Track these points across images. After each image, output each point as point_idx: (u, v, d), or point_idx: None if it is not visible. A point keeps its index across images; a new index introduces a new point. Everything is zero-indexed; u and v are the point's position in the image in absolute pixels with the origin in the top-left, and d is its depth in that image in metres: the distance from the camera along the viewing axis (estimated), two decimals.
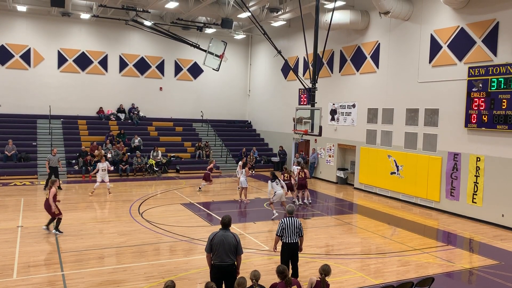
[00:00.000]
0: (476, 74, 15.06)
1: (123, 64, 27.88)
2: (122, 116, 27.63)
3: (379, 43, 19.65)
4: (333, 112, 22.56)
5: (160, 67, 28.94)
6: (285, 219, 8.48)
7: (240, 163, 19.59)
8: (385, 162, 19.03)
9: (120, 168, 22.92)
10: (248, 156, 25.16)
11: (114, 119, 27.26)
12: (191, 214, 15.02)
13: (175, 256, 10.68)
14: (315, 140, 23.57)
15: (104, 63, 27.39)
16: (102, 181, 17.91)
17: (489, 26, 14.83)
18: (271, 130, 28.81)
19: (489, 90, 14.61)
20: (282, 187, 14.60)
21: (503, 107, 14.14)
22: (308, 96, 18.00)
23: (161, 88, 28.96)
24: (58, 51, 26.23)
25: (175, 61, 29.30)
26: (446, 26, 16.44)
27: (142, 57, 28.34)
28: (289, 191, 16.29)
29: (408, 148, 18.05)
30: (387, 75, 19.22)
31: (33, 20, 25.54)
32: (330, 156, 23.02)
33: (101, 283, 8.69)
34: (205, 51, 22.67)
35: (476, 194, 15.23)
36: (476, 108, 15.01)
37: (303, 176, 16.97)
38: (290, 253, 8.44)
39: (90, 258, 10.26)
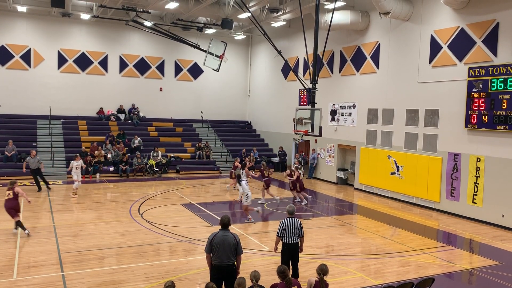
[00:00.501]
0: (476, 74, 15.06)
1: (123, 65, 27.88)
2: (122, 116, 27.63)
3: (379, 44, 19.65)
4: (333, 112, 22.56)
5: (160, 68, 28.94)
6: (285, 219, 8.48)
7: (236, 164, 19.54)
8: (385, 162, 19.03)
9: (120, 169, 22.92)
10: (248, 157, 25.14)
11: (114, 119, 27.27)
12: (191, 214, 15.02)
13: (175, 257, 10.68)
14: (315, 140, 23.57)
15: (104, 63, 27.39)
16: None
17: (489, 27, 14.83)
18: (271, 130, 28.81)
19: (489, 91, 14.61)
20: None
21: (503, 107, 14.13)
22: (308, 96, 18.01)
23: (161, 89, 28.97)
24: (58, 52, 26.24)
25: (175, 61, 29.31)
26: (446, 27, 16.44)
27: (142, 58, 28.35)
28: (294, 190, 17.52)
29: (408, 148, 18.05)
30: (387, 75, 19.22)
31: (33, 21, 25.55)
32: (330, 157, 23.02)
33: (101, 283, 8.69)
34: (205, 51, 22.69)
35: (476, 195, 15.23)
36: (476, 108, 15.01)
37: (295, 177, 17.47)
38: (290, 253, 8.44)
39: (90, 258, 10.25)
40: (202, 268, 9.41)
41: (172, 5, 21.78)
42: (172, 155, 25.44)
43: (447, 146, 16.36)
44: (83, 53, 26.80)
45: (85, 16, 24.93)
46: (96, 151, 23.15)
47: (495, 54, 14.68)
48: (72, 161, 17.92)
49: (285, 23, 24.86)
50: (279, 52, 18.79)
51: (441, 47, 16.61)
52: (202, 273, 9.21)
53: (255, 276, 6.38)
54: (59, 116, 25.96)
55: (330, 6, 18.71)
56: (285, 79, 26.96)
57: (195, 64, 29.37)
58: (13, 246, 10.95)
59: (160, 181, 22.23)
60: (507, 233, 13.85)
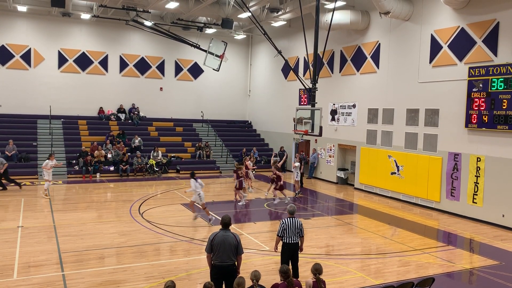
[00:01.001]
0: (476, 74, 15.05)
1: (123, 64, 27.88)
2: (122, 116, 27.64)
3: (380, 43, 19.65)
4: (334, 112, 22.56)
5: (161, 67, 28.94)
6: (286, 219, 8.47)
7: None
8: (386, 162, 19.03)
9: (121, 169, 22.93)
10: (248, 156, 25.12)
11: (114, 119, 27.27)
12: (191, 214, 15.01)
13: (175, 257, 10.68)
14: (316, 140, 23.57)
15: (104, 63, 27.39)
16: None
17: (490, 26, 14.82)
18: (271, 130, 28.81)
19: (489, 90, 14.60)
20: (201, 185, 13.87)
21: (504, 107, 14.13)
22: (309, 96, 18.01)
23: (161, 88, 28.97)
24: (59, 51, 26.24)
25: (176, 61, 29.31)
26: (446, 26, 16.44)
27: (143, 57, 28.34)
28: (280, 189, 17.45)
29: (409, 148, 18.04)
30: (388, 75, 19.22)
31: (33, 20, 25.55)
32: (330, 156, 23.02)
33: (101, 283, 8.69)
34: (205, 51, 22.69)
35: (476, 194, 15.22)
36: (477, 108, 15.01)
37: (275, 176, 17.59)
38: (290, 253, 8.44)
39: (91, 258, 10.26)
40: (202, 268, 9.42)
41: (172, 5, 21.78)
42: (172, 155, 25.45)
43: (447, 146, 16.36)
44: (83, 53, 26.80)
45: (85, 16, 24.93)
46: (96, 151, 23.15)
47: (495, 54, 14.67)
48: (47, 160, 17.40)
49: (285, 22, 24.86)
50: (279, 52, 18.79)
51: (441, 47, 16.60)
52: (202, 273, 9.22)
53: (256, 276, 6.38)
54: (59, 116, 25.96)
55: (330, 5, 18.71)
56: (285, 79, 26.96)
57: (195, 64, 29.37)
58: (13, 246, 10.95)
59: (160, 181, 22.23)
60: (507, 232, 13.85)
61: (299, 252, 8.64)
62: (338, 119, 22.31)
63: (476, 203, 15.24)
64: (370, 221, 14.93)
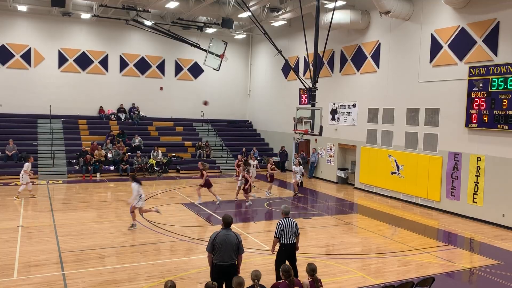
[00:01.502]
0: (476, 74, 15.05)
1: (123, 64, 27.88)
2: (122, 116, 27.64)
3: (380, 43, 19.64)
4: (334, 112, 22.56)
5: (161, 67, 28.94)
6: (282, 220, 8.45)
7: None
8: (386, 162, 19.03)
9: (121, 168, 22.94)
10: (249, 156, 25.12)
11: (114, 118, 27.27)
12: (191, 214, 15.03)
13: (175, 256, 10.68)
14: (316, 140, 23.57)
15: (104, 63, 27.39)
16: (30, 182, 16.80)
17: (490, 26, 14.81)
18: (271, 130, 28.81)
19: (489, 90, 14.59)
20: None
21: (504, 107, 14.13)
22: (309, 96, 18.01)
23: (161, 88, 28.96)
24: (59, 51, 26.24)
25: (176, 61, 29.31)
26: (446, 26, 16.43)
27: (143, 57, 28.34)
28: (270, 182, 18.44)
29: (409, 148, 18.04)
30: (388, 75, 19.22)
31: (33, 20, 25.55)
32: (330, 156, 23.02)
33: (102, 282, 8.69)
34: (205, 50, 22.64)
35: (476, 194, 15.22)
36: (477, 108, 15.00)
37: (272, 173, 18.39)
38: (287, 254, 8.43)
39: (91, 257, 10.26)
40: (202, 267, 9.42)
41: (172, 4, 21.77)
42: (173, 154, 25.45)
43: (447, 146, 16.36)
44: (83, 52, 26.79)
45: (86, 16, 24.92)
46: (96, 151, 23.16)
47: (495, 53, 14.67)
48: (28, 163, 16.88)
49: (285, 22, 24.86)
50: (280, 52, 18.78)
51: (442, 47, 16.60)
52: (202, 272, 9.22)
53: (257, 276, 6.38)
54: (59, 116, 25.96)
55: (331, 5, 18.70)
56: (286, 78, 26.96)
57: (196, 63, 29.36)
58: (13, 245, 10.95)
59: (161, 180, 22.23)
60: (507, 232, 13.84)
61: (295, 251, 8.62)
62: (338, 118, 22.31)
63: (476, 202, 15.24)
64: (370, 221, 14.93)
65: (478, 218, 15.15)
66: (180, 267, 9.75)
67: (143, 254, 10.61)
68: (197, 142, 27.05)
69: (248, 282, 6.27)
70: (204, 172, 16.13)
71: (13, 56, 25.17)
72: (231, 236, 7.22)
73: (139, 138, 25.42)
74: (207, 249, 7.26)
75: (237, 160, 19.83)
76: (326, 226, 13.99)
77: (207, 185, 16.26)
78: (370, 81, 20.20)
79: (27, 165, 16.82)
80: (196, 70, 29.75)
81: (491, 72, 14.54)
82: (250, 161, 20.26)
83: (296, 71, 19.74)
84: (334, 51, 22.46)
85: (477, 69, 15.03)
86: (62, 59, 26.33)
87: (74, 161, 22.72)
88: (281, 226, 8.35)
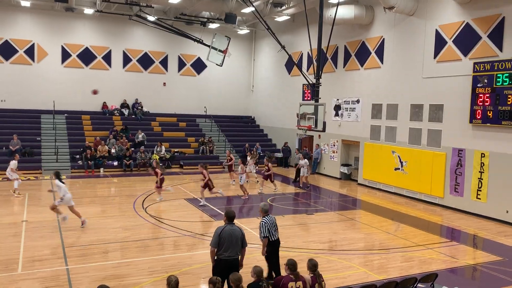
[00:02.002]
0: (481, 69, 14.96)
1: (126, 60, 27.87)
2: (126, 111, 27.67)
3: (384, 39, 19.55)
4: (337, 107, 22.50)
5: (164, 63, 28.92)
6: (266, 218, 8.36)
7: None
8: (389, 158, 18.98)
9: (124, 163, 22.98)
10: (252, 152, 25.13)
11: (118, 114, 27.30)
12: (194, 209, 15.05)
13: (178, 251, 10.71)
14: (319, 135, 23.53)
15: (107, 58, 27.40)
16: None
17: (495, 21, 14.71)
18: (274, 126, 28.78)
19: (494, 86, 14.51)
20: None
21: (509, 103, 14.05)
22: (312, 91, 17.94)
23: (164, 84, 28.95)
24: (62, 46, 26.26)
25: (179, 56, 29.28)
26: (451, 21, 16.33)
27: (146, 53, 28.32)
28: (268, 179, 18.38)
29: (412, 144, 17.99)
30: (392, 70, 19.14)
31: (36, 16, 25.55)
32: (333, 152, 22.98)
33: (105, 277, 8.73)
34: (208, 46, 22.62)
35: (480, 190, 15.17)
36: (481, 104, 14.93)
37: (266, 168, 18.36)
38: (274, 251, 8.43)
39: (94, 252, 10.30)
40: (205, 263, 9.43)
41: (175, 0, 21.70)
42: (176, 150, 25.48)
43: (451, 142, 16.30)
44: (86, 48, 26.80)
45: (89, 11, 24.89)
46: (99, 146, 23.20)
47: (500, 49, 14.57)
48: (14, 161, 16.78)
49: (289, 17, 24.76)
50: (283, 47, 18.70)
51: (446, 42, 16.51)
52: (205, 267, 9.23)
53: (259, 272, 6.37)
54: (63, 111, 26.00)
55: (335, 0, 18.59)
56: (289, 74, 26.89)
57: (199, 59, 29.33)
58: (18, 240, 11.00)
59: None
60: (511, 228, 13.80)
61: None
62: (341, 114, 22.26)
63: (480, 199, 15.20)
64: (373, 217, 14.92)
65: (481, 215, 15.11)
66: (183, 262, 9.77)
67: (146, 249, 10.64)
68: (200, 137, 27.05)
69: (247, 278, 6.24)
70: (204, 172, 15.63)
71: (16, 51, 25.20)
72: (236, 231, 7.24)
73: (143, 133, 25.45)
74: (212, 244, 7.20)
75: (228, 158, 20.56)
76: (329, 222, 13.99)
77: (207, 186, 15.70)
78: (374, 76, 20.12)
79: (14, 163, 16.70)
80: (199, 66, 29.71)
81: (496, 68, 14.45)
82: (249, 159, 20.67)
83: (299, 67, 19.70)
84: (337, 47, 22.37)
85: (481, 65, 14.94)
86: (65, 55, 26.35)
87: (78, 156, 22.78)
88: (267, 225, 8.29)
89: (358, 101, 21.14)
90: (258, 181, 19.62)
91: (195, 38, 22.41)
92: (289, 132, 26.48)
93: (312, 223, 13.78)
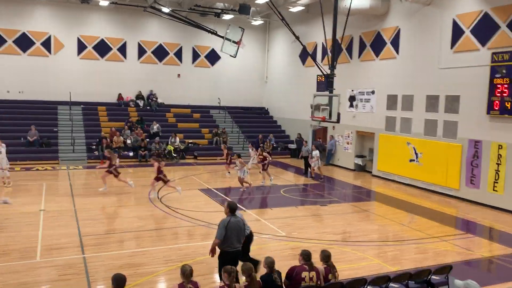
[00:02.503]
0: (499, 60, 14.68)
1: (141, 51, 28.02)
2: (141, 102, 27.88)
3: (400, 29, 19.29)
4: (352, 98, 22.34)
5: (178, 54, 28.99)
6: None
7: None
8: (404, 149, 18.82)
9: (139, 154, 23.22)
10: (265, 143, 25.15)
11: (133, 105, 27.53)
12: (208, 199, 15.16)
13: (193, 241, 10.82)
14: (333, 127, 23.42)
15: (123, 50, 27.57)
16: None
17: None
18: (288, 117, 28.70)
19: None
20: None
21: None
22: (326, 82, 17.85)
23: (179, 75, 29.05)
24: (78, 38, 26.49)
25: (193, 48, 29.31)
26: (469, 11, 16.02)
27: (160, 44, 28.42)
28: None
29: (428, 135, 17.79)
30: (407, 61, 18.90)
31: (53, 8, 25.80)
32: (348, 143, 22.86)
33: (121, 266, 8.87)
34: (222, 37, 22.59)
35: (497, 182, 14.97)
36: (499, 94, 14.67)
37: (261, 158, 18.50)
38: (246, 245, 8.34)
39: (110, 241, 10.47)
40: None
41: None
42: (190, 141, 25.62)
43: (467, 133, 16.07)
44: (102, 39, 26.99)
45: (104, 3, 25.00)
46: (115, 137, 23.47)
47: None
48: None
49: (303, 8, 24.57)
50: (297, 38, 18.62)
51: (463, 32, 16.21)
52: None
53: (271, 263, 6.40)
54: (79, 102, 26.31)
55: None
56: (303, 65, 26.74)
57: (213, 50, 29.32)
58: (36, 229, 11.23)
59: (178, 166, 22.42)
60: None
61: None
62: (356, 105, 22.09)
63: (496, 191, 15.00)
64: (387, 208, 14.85)
65: (498, 207, 14.92)
66: (197, 251, 9.87)
67: (161, 239, 10.77)
68: (213, 129, 27.15)
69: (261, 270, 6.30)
70: (156, 165, 15.11)
71: (33, 43, 25.51)
72: (240, 222, 7.40)
73: (157, 124, 25.63)
74: (219, 236, 7.22)
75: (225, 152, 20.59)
76: (343, 213, 13.97)
77: (158, 178, 15.08)
78: (389, 67, 19.90)
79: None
80: (213, 57, 29.72)
81: None
82: (250, 151, 21.08)
83: (313, 58, 19.58)
84: (352, 37, 22.15)
85: (500, 55, 14.65)
86: (81, 46, 26.59)
87: (94, 147, 23.07)
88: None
89: (373, 92, 20.95)
90: (260, 172, 19.36)
91: (209, 29, 22.40)
92: (303, 123, 26.39)
93: (325, 214, 13.78)
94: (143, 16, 26.84)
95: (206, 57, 29.69)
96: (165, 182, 15.17)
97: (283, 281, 6.50)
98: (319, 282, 6.51)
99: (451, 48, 16.73)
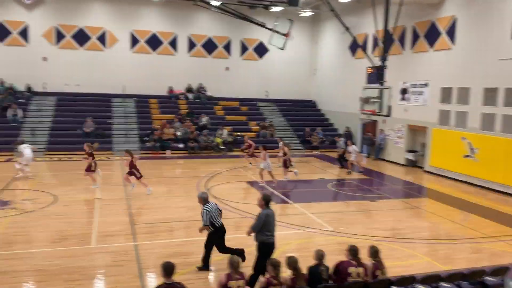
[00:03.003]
0: None
1: (191, 45, 28.52)
2: (190, 95, 28.43)
3: (456, 18, 18.43)
4: (403, 91, 21.65)
5: (227, 47, 29.25)
6: (208, 205, 8.35)
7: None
8: (459, 144, 18.04)
9: (189, 146, 23.74)
10: (312, 136, 24.93)
11: (183, 98, 28.13)
12: (255, 192, 15.26)
13: (240, 232, 10.92)
14: (383, 120, 22.83)
15: (173, 43, 28.19)
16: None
17: None
18: (336, 110, 28.27)
19: None
20: None
21: None
22: (377, 74, 17.39)
23: (227, 68, 29.33)
24: (131, 33, 27.35)
25: (241, 41, 29.47)
26: None
27: (210, 38, 28.78)
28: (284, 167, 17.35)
29: (485, 130, 16.95)
30: (464, 52, 18.04)
31: (108, 3, 26.79)
32: (399, 138, 22.21)
33: (171, 254, 9.11)
34: (271, 30, 22.50)
35: None
36: None
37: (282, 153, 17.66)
38: (221, 235, 8.50)
39: (161, 230, 10.80)
40: None
41: None
42: (238, 133, 25.85)
43: None
44: (153, 34, 27.72)
45: None
46: (165, 129, 24.13)
47: None
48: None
49: None
50: (347, 29, 18.22)
51: None
52: None
53: (322, 256, 6.43)
54: (132, 95, 27.22)
55: None
56: (353, 56, 26.19)
57: (261, 43, 29.34)
58: (91, 216, 11.80)
59: (226, 158, 22.71)
60: None
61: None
62: (408, 98, 21.40)
63: None
64: (440, 205, 14.33)
65: None
66: (244, 243, 9.94)
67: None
68: (261, 121, 27.23)
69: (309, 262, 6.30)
70: (128, 159, 14.51)
71: (89, 38, 26.62)
72: (273, 214, 7.73)
73: (206, 117, 26.05)
74: (255, 227, 7.55)
75: (246, 144, 20.37)
76: (393, 210, 13.63)
77: (132, 174, 14.34)
78: (444, 58, 19.09)
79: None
80: (261, 50, 29.75)
81: None
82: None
83: (364, 49, 19.12)
84: (405, 28, 21.42)
85: None
86: (134, 41, 27.45)
87: (146, 138, 23.82)
88: (209, 213, 8.25)
89: (426, 85, 20.20)
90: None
91: (257, 22, 22.38)
92: (351, 117, 25.89)
93: (375, 210, 13.51)
94: (193, 9, 27.25)
95: (254, 50, 29.78)
96: (138, 177, 14.35)
97: (330, 275, 6.48)
98: (366, 278, 6.42)
99: None
